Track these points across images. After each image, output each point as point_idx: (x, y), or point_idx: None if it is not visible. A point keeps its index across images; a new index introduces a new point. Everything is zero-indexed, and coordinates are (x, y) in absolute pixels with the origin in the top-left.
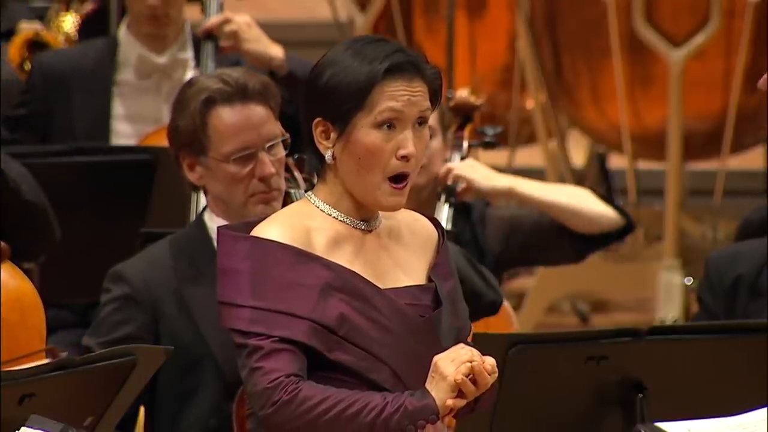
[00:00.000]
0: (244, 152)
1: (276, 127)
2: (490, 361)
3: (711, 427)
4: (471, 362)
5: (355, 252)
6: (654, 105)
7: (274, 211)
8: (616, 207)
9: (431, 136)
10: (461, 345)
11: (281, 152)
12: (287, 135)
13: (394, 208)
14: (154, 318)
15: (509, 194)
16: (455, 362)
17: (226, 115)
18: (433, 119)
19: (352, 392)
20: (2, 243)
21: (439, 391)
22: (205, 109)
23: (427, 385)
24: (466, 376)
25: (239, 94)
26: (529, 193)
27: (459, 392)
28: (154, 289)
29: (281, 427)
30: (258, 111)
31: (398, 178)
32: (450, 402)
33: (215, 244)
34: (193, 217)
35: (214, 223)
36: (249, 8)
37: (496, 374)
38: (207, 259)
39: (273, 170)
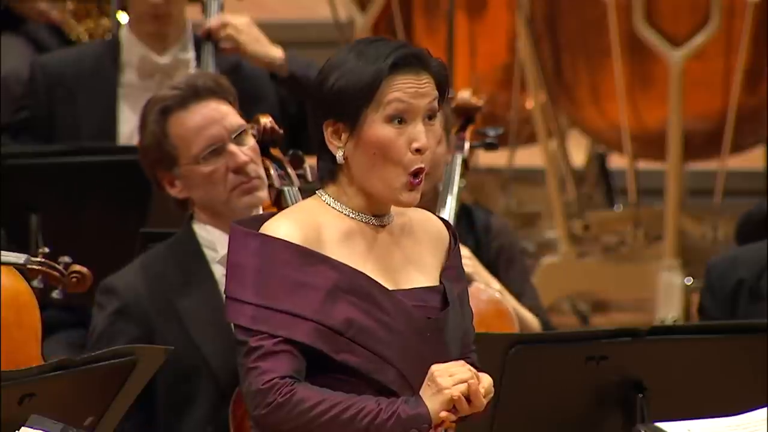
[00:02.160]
0: (212, 147)
1: (238, 118)
2: (485, 384)
3: (711, 427)
4: (469, 382)
5: (368, 247)
6: (654, 105)
7: (260, 201)
8: None
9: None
10: (462, 362)
11: (251, 141)
12: (247, 125)
13: (411, 204)
14: (148, 330)
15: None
16: (454, 378)
17: (184, 119)
18: (437, 124)
19: (346, 396)
20: (86, 269)
21: (434, 403)
22: (162, 120)
23: (422, 394)
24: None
25: (192, 96)
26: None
27: (453, 407)
28: (146, 301)
29: (273, 427)
30: (214, 106)
31: (416, 173)
32: (444, 414)
33: (205, 251)
34: None
35: (203, 230)
36: (249, 8)
37: (491, 395)
38: (198, 268)
39: (246, 158)
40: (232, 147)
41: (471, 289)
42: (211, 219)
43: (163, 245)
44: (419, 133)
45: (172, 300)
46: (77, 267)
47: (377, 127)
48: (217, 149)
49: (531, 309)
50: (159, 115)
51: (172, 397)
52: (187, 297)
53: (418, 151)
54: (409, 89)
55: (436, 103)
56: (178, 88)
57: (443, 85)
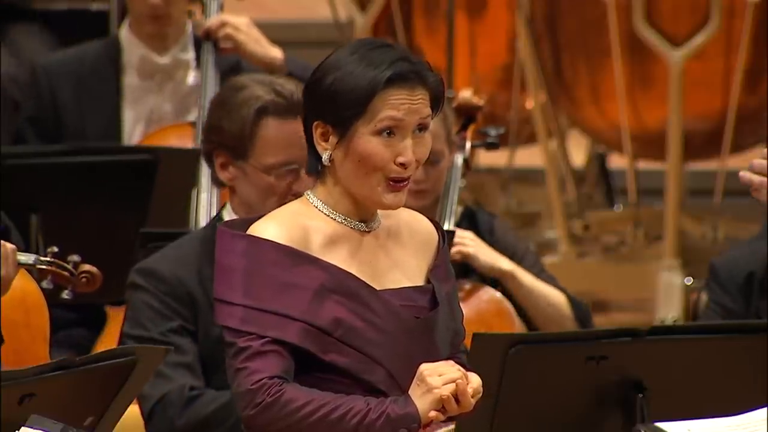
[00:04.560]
0: (287, 167)
1: None
2: (474, 384)
3: (711, 427)
4: (458, 382)
5: (352, 252)
6: (654, 105)
7: None
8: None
9: (438, 159)
10: (451, 362)
11: None
12: None
13: (395, 207)
14: (194, 313)
15: (509, 277)
16: (443, 378)
17: (277, 128)
18: (440, 142)
19: (335, 396)
20: (96, 269)
21: (423, 402)
22: (257, 119)
23: (411, 393)
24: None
25: (292, 109)
26: (526, 285)
27: (441, 407)
28: (186, 287)
29: (263, 428)
30: None
31: (396, 180)
32: (432, 414)
33: None
34: (193, 217)
35: None
36: (249, 8)
37: (480, 395)
38: None
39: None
40: (303, 173)
41: (470, 289)
42: (246, 214)
43: (193, 238)
44: (406, 148)
45: (209, 294)
46: (87, 267)
47: (365, 140)
48: (290, 170)
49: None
50: (255, 112)
51: (209, 385)
52: None
53: (402, 164)
54: (402, 105)
55: (428, 119)
56: (283, 95)
57: (438, 101)
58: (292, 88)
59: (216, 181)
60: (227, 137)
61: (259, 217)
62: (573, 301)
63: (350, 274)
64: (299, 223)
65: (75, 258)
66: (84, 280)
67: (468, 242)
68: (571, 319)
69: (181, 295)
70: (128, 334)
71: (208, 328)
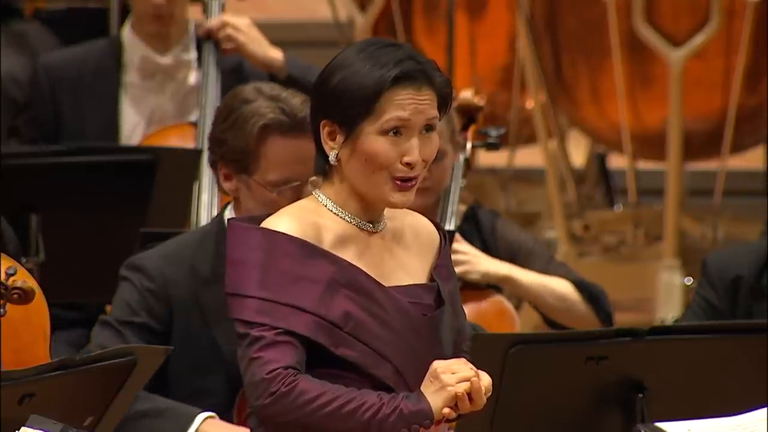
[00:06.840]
0: (290, 184)
1: None
2: (485, 382)
3: (711, 427)
4: (471, 380)
5: (360, 252)
6: (654, 105)
7: None
8: (600, 310)
9: (442, 157)
10: (463, 360)
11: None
12: None
13: (403, 206)
14: (170, 314)
15: (507, 281)
16: (457, 376)
17: (280, 146)
18: (444, 140)
19: (348, 389)
20: (29, 285)
21: (437, 399)
22: (260, 137)
23: (424, 390)
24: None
25: (297, 127)
26: (525, 284)
27: (454, 404)
28: (172, 287)
29: (275, 418)
30: (307, 145)
31: (403, 179)
32: (446, 411)
33: None
34: (193, 217)
35: None
36: (249, 8)
37: (490, 393)
38: (224, 264)
39: None
40: (307, 191)
41: (471, 289)
42: None
43: (193, 234)
44: (412, 148)
45: (197, 292)
46: (19, 282)
47: (372, 139)
48: (294, 186)
49: (561, 277)
50: (259, 130)
51: (185, 388)
52: (212, 290)
53: (408, 164)
54: (408, 105)
55: (434, 120)
56: (287, 113)
57: (445, 101)
58: (298, 104)
59: (221, 188)
60: (231, 151)
61: (267, 215)
62: (580, 284)
63: (360, 270)
64: (311, 219)
65: (9, 270)
66: (15, 296)
67: (459, 258)
68: (581, 302)
69: (161, 295)
70: (99, 318)
71: (187, 333)
